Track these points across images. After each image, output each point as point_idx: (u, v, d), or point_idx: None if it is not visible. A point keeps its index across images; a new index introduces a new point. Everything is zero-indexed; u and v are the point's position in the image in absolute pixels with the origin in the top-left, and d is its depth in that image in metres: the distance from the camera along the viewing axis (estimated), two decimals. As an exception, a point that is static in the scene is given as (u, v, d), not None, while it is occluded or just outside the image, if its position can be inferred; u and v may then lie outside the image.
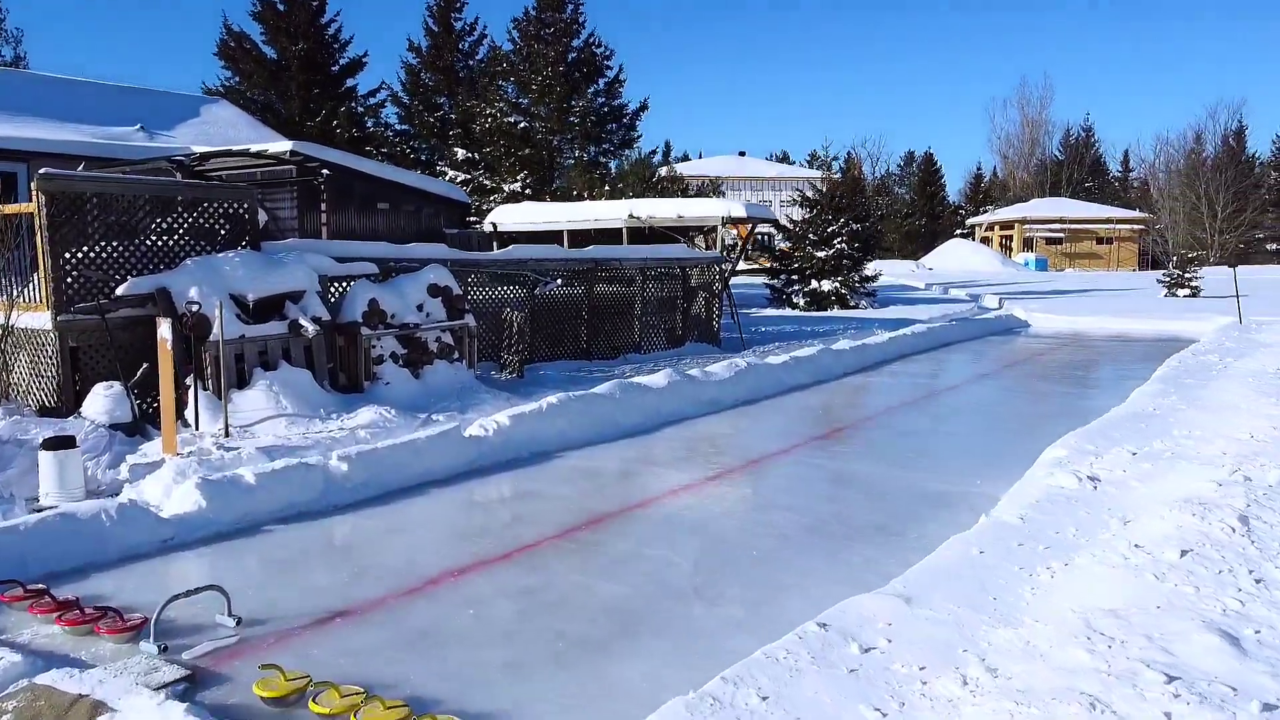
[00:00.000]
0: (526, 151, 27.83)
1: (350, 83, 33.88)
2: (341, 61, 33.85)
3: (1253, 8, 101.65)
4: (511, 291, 13.02)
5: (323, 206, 17.93)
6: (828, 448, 9.18)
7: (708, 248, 18.22)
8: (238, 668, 4.33)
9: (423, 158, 31.65)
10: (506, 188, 26.68)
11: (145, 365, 8.77)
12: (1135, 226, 68.09)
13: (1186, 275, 34.77)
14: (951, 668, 3.34)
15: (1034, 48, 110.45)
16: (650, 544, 6.14)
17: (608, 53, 29.00)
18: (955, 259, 61.13)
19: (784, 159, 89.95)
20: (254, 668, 4.20)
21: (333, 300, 10.31)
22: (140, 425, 8.65)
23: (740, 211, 17.22)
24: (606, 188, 26.15)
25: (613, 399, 10.06)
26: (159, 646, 4.45)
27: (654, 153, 32.13)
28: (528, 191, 26.34)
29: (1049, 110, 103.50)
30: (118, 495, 6.83)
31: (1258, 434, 6.73)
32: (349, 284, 10.48)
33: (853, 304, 26.90)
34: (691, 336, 16.78)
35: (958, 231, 76.09)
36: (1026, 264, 62.27)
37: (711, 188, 29.64)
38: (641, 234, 18.12)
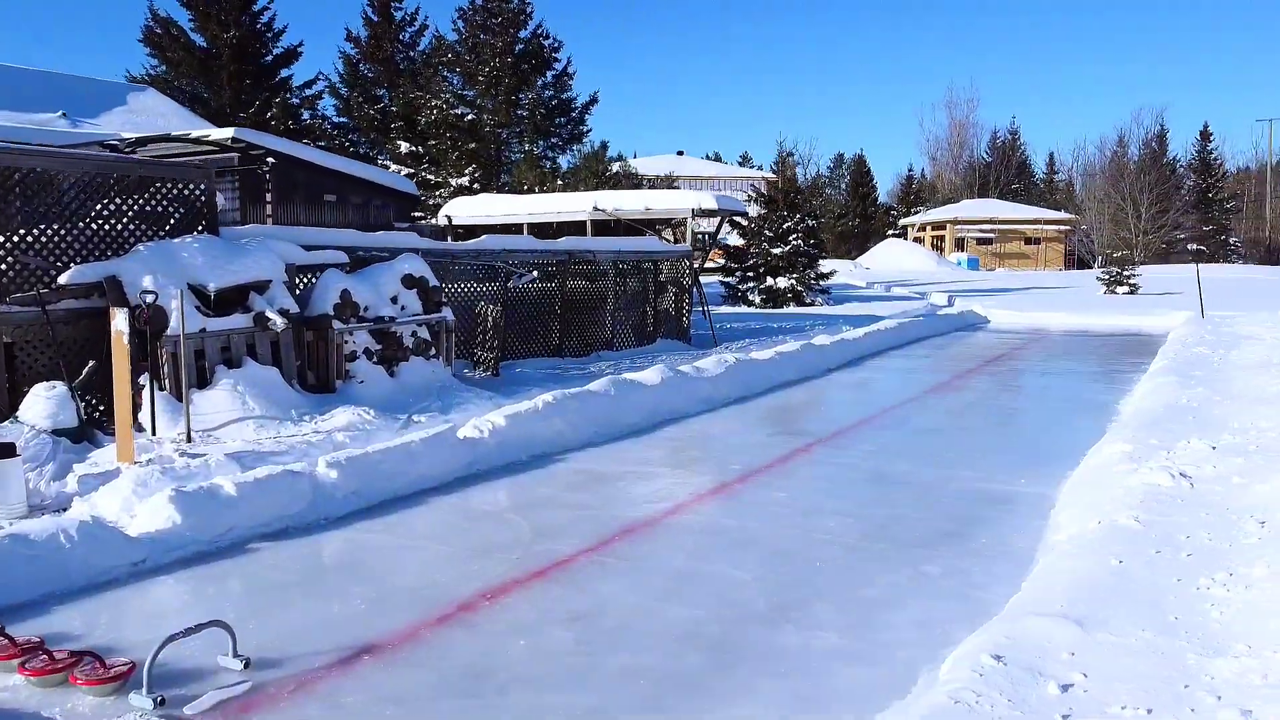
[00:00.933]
0: (473, 145, 26.85)
1: (285, 73, 32.43)
2: (275, 51, 32.37)
3: (1172, 16, 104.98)
4: (484, 284, 12.18)
5: (268, 197, 16.84)
6: (846, 446, 8.58)
7: (676, 241, 17.57)
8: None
9: (362, 151, 30.30)
10: (454, 182, 25.64)
11: (92, 363, 7.75)
12: (1062, 227, 69.54)
13: (1125, 273, 35.40)
14: (1186, 709, 2.72)
15: (962, 52, 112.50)
16: (704, 558, 5.43)
17: (556, 44, 28.21)
18: (891, 259, 61.65)
19: (716, 159, 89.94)
20: None
21: (299, 292, 9.38)
22: (87, 430, 7.64)
23: (711, 204, 16.61)
24: (560, 182, 25.35)
25: (608, 396, 9.32)
26: (154, 700, 3.60)
27: (604, 147, 31.45)
28: (475, 186, 25.39)
29: (976, 113, 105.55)
30: (66, 510, 5.90)
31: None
32: (316, 275, 9.55)
33: (809, 301, 26.54)
34: (661, 333, 16.10)
35: (890, 232, 76.88)
36: (959, 263, 63.08)
37: (666, 183, 28.99)
38: (606, 227, 17.38)
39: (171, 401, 7.93)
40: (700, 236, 16.45)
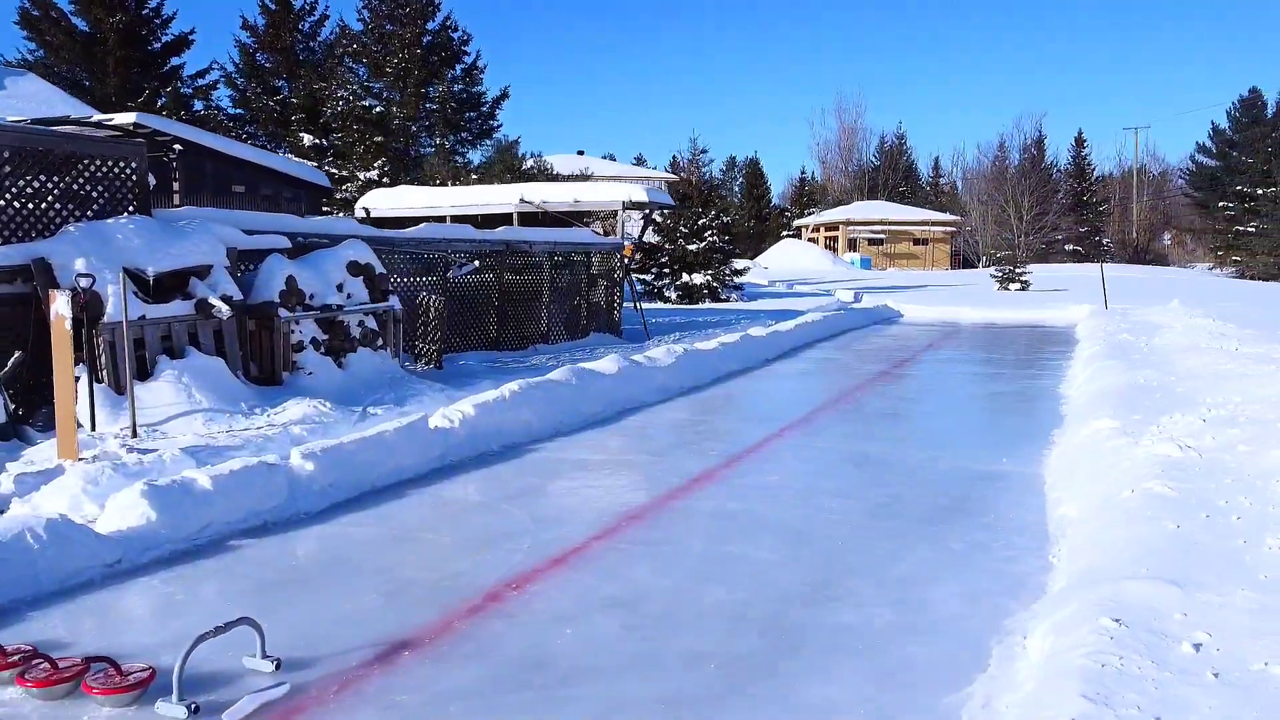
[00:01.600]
0: (380, 139, 26.01)
1: (176, 61, 30.77)
2: (165, 38, 30.71)
3: (1051, 26, 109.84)
4: (424, 275, 11.73)
5: (175, 186, 15.91)
6: (816, 432, 8.53)
7: (607, 234, 17.34)
8: (306, 728, 3.17)
9: (261, 144, 28.97)
10: (362, 175, 24.79)
11: (19, 354, 7.10)
12: (948, 228, 71.94)
13: (1017, 270, 36.91)
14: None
15: (850, 59, 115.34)
16: (723, 541, 5.25)
17: (465, 37, 27.57)
18: (788, 258, 62.77)
19: (612, 160, 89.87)
20: None
21: (240, 278, 8.81)
22: (14, 427, 7.00)
23: (642, 196, 16.44)
24: (475, 176, 24.78)
25: (570, 386, 9.06)
26: (189, 707, 3.22)
27: (516, 142, 30.83)
28: (385, 180, 24.61)
29: (864, 119, 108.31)
30: (3, 512, 5.34)
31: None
32: (257, 261, 8.99)
33: (724, 298, 26.67)
34: (593, 327, 15.87)
35: (784, 233, 78.23)
36: (853, 263, 64.61)
37: (582, 179, 28.65)
38: (533, 221, 17.03)
39: (110, 395, 7.33)
40: (631, 229, 16.27)
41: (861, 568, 4.78)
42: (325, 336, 9.04)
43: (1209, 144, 66.18)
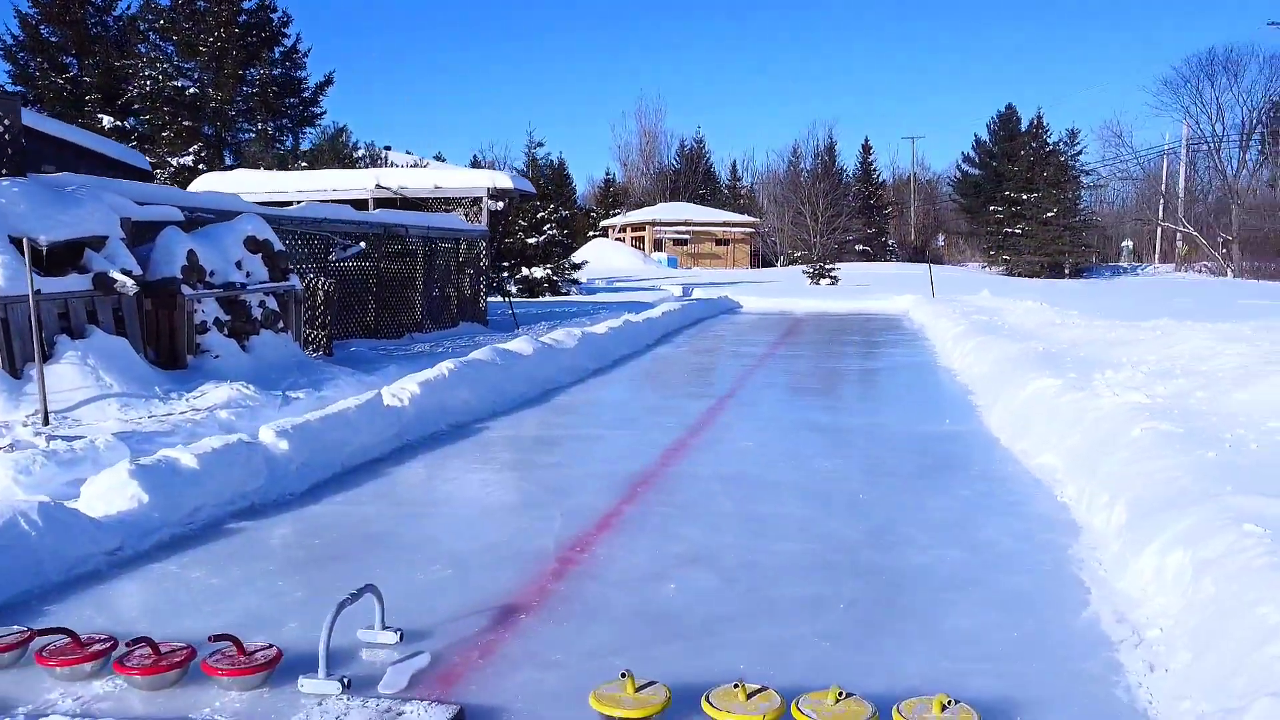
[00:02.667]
0: (190, 123, 24.12)
1: (-63, 32, 27.20)
2: (-78, 4, 27.12)
3: (842, 35, 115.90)
4: (305, 257, 11.01)
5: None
6: (752, 404, 8.67)
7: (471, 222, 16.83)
8: (474, 693, 2.92)
9: (49, 125, 25.96)
10: (175, 161, 22.88)
11: (-108, 333, 6.13)
12: (748, 229, 74.86)
13: (827, 267, 39.06)
14: None
15: (650, 63, 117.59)
16: (751, 501, 5.24)
17: (285, 19, 25.99)
18: (602, 257, 63.29)
19: (440, 159, 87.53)
20: (496, 693, 2.89)
21: (133, 252, 7.96)
22: (-110, 419, 6.04)
23: (506, 183, 16.09)
24: (304, 165, 23.43)
25: (496, 366, 8.78)
26: (341, 681, 2.89)
27: (342, 131, 29.33)
28: (201, 167, 22.85)
29: (664, 122, 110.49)
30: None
31: (1203, 350, 7.29)
32: (150, 236, 8.15)
33: (564, 291, 26.62)
34: (462, 316, 15.43)
35: (591, 233, 78.88)
36: (661, 262, 66.02)
37: (420, 167, 27.63)
38: (390, 208, 16.30)
39: (6, 378, 6.46)
40: (495, 217, 15.90)
41: (899, 518, 4.90)
42: (228, 317, 8.33)
43: (973, 154, 72.10)
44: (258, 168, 23.61)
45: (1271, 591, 2.82)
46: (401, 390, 7.16)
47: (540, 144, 26.89)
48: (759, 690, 2.73)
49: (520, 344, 9.80)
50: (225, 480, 4.97)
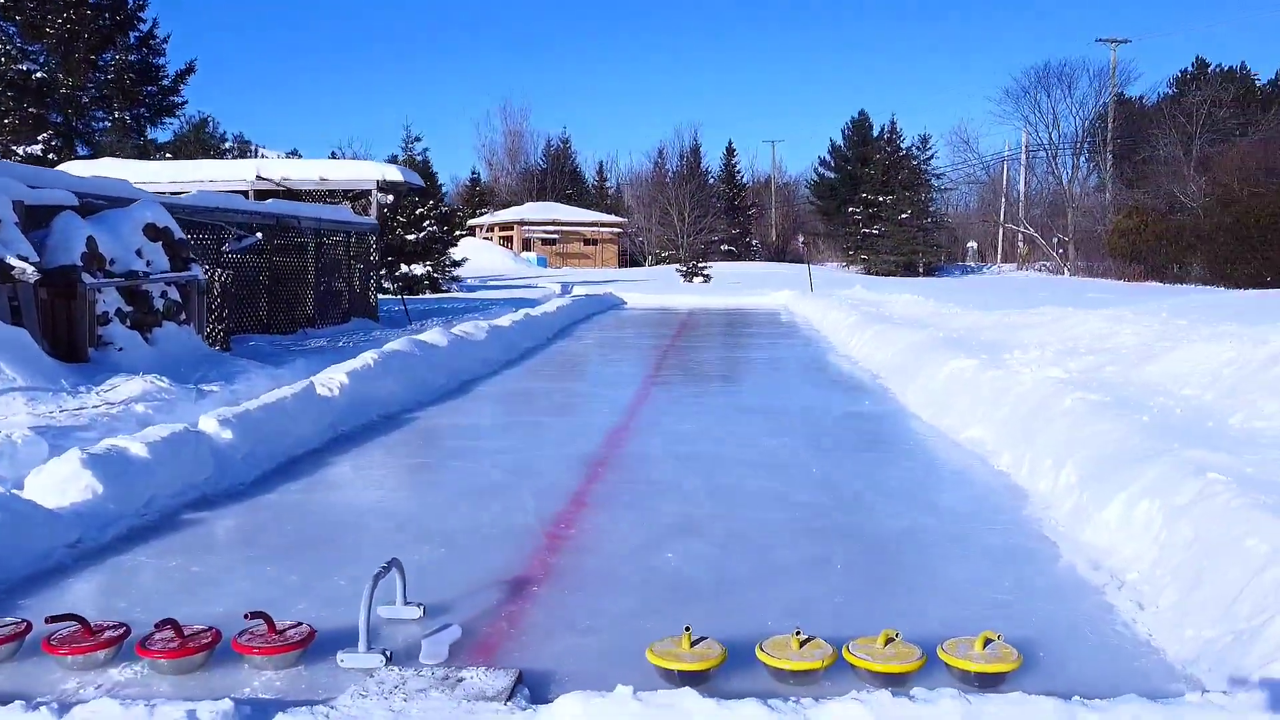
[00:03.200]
0: (37, 110, 22.49)
1: None
2: None
3: (711, 41, 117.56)
4: (199, 248, 10.49)
5: None
6: (672, 389, 8.78)
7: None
8: (518, 660, 2.91)
9: None
10: (21, 150, 21.27)
11: None
12: (615, 229, 75.33)
13: (701, 266, 39.83)
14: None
15: (514, 62, 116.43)
16: (716, 476, 5.34)
17: (140, 3, 24.53)
18: (473, 256, 62.47)
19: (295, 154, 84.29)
20: (542, 659, 2.92)
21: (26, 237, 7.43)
22: None
23: (397, 175, 15.70)
24: (167, 155, 22.18)
25: (415, 357, 8.60)
26: (384, 655, 2.83)
27: (206, 121, 27.78)
28: (51, 157, 21.34)
29: (529, 122, 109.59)
30: None
31: (1101, 330, 7.82)
32: (43, 221, 7.63)
33: (444, 289, 26.18)
34: (353, 311, 15.00)
35: (458, 232, 77.75)
36: (530, 261, 65.71)
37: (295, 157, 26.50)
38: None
39: (-103, 372, 5.94)
40: (384, 211, 15.50)
41: (861, 488, 5.09)
42: (130, 308, 7.88)
43: (828, 158, 74.71)
44: (116, 158, 22.26)
45: (1254, 527, 3.10)
46: (331, 380, 6.94)
47: (418, 138, 26.31)
48: (809, 639, 2.82)
49: (434, 335, 9.63)
50: (175, 470, 4.73)
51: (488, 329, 11.25)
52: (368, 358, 7.70)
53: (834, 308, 15.52)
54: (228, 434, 5.30)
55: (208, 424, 5.30)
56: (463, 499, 4.87)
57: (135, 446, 4.59)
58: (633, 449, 6.11)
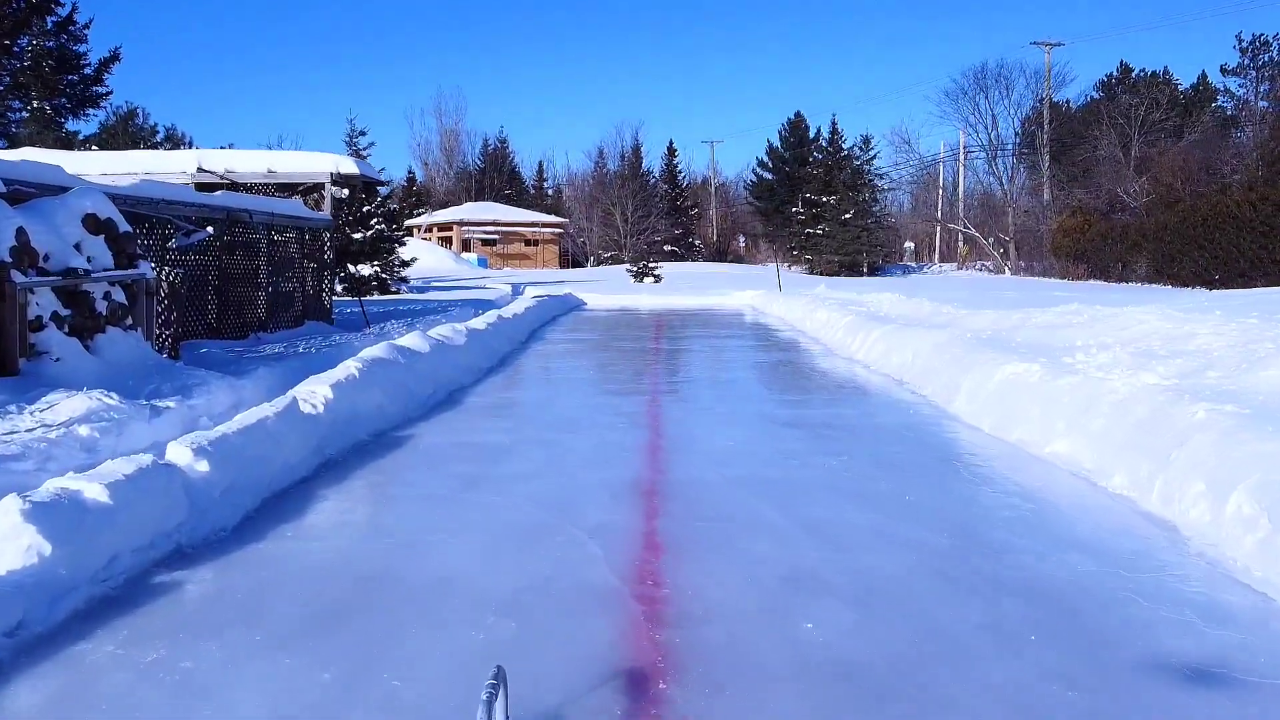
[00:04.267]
0: (-54, 98, 20.76)
1: None
2: None
3: (649, 38, 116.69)
4: (142, 243, 9.33)
5: None
6: (687, 400, 7.93)
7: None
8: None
9: None
10: (-70, 142, 19.52)
11: None
12: (556, 230, 74.26)
13: (651, 266, 39.15)
14: None
15: (449, 59, 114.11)
16: (793, 508, 4.50)
17: (60, -15, 22.87)
18: (413, 257, 60.94)
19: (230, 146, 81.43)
20: None
21: (-63, 231, 6.28)
22: None
23: (352, 168, 14.57)
24: (93, 147, 20.61)
25: (399, 365, 7.62)
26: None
27: (134, 112, 25.96)
28: (-36, 148, 19.67)
29: (465, 121, 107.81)
30: None
31: (1172, 332, 7.15)
32: (-41, 207, 6.47)
33: (394, 290, 25.00)
34: (306, 314, 13.84)
35: (400, 232, 75.99)
36: (471, 262, 64.36)
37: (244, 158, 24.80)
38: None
39: None
40: (338, 205, 14.37)
41: (967, 518, 4.31)
42: (68, 312, 6.76)
43: (766, 160, 74.55)
44: (37, 148, 20.64)
45: None
46: (314, 394, 5.95)
47: (363, 132, 24.82)
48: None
49: (415, 340, 8.64)
50: (144, 517, 3.73)
51: (466, 332, 10.26)
52: (350, 367, 6.71)
53: (819, 308, 14.79)
54: (203, 465, 4.29)
55: (178, 454, 4.29)
56: (506, 545, 3.95)
57: (92, 489, 3.58)
58: (679, 474, 5.24)
